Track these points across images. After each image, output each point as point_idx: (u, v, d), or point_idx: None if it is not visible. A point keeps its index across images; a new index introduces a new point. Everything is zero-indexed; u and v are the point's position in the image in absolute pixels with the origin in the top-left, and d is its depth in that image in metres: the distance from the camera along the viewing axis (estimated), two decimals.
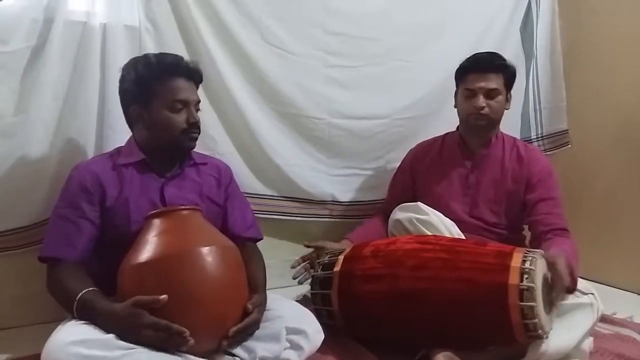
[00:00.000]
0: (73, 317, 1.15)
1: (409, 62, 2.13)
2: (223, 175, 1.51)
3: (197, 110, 1.39)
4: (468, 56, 1.82)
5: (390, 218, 1.68)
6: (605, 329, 1.67)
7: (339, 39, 2.00)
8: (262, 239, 1.56)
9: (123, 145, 1.44)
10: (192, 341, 1.06)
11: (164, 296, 1.08)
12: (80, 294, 1.15)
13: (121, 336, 1.07)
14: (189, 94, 1.36)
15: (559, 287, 1.32)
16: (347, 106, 2.04)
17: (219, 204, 1.47)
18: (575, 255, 1.47)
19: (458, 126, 1.86)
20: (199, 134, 1.40)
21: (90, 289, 1.18)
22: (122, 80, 1.38)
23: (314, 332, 1.23)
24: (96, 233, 1.31)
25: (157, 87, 1.33)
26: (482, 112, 1.71)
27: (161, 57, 1.38)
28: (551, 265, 1.34)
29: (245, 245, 1.45)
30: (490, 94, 1.71)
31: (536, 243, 1.62)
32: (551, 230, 1.61)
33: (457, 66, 1.82)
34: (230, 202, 1.50)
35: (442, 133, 1.94)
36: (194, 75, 1.40)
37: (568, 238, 1.59)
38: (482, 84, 1.71)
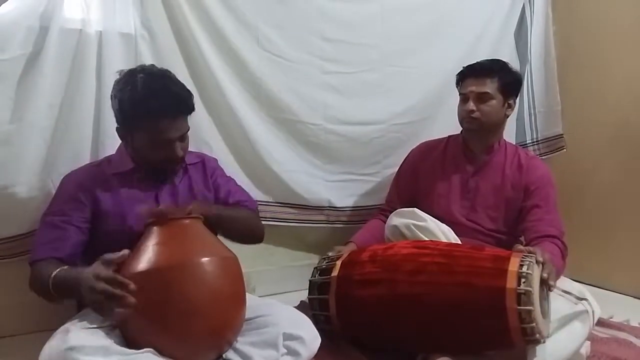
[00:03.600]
0: (68, 325, 1.14)
1: (404, 68, 2.14)
2: (208, 167, 1.53)
3: (184, 140, 1.35)
4: (463, 61, 1.84)
5: (387, 224, 1.68)
6: (602, 332, 1.67)
7: (335, 45, 2.01)
8: (257, 211, 1.60)
9: (113, 154, 1.45)
10: (132, 300, 1.05)
11: (126, 251, 1.11)
12: (53, 273, 1.16)
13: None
14: (172, 133, 1.30)
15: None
16: (344, 112, 2.05)
17: (212, 195, 1.50)
18: (555, 262, 1.45)
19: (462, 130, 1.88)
20: (180, 163, 1.40)
21: (64, 267, 1.19)
22: (111, 98, 1.35)
23: (311, 338, 1.22)
24: (83, 239, 1.32)
25: (139, 124, 1.30)
26: (472, 115, 1.73)
27: (147, 94, 1.27)
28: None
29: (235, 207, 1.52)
30: (481, 98, 1.72)
31: None
32: (540, 237, 1.61)
33: (453, 71, 1.83)
34: (220, 185, 1.53)
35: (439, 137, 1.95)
36: (182, 112, 1.33)
37: (556, 245, 1.58)
38: (473, 88, 1.73)
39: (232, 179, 1.63)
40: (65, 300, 1.26)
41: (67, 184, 1.36)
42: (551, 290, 1.35)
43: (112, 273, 1.07)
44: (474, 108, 1.73)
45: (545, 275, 1.31)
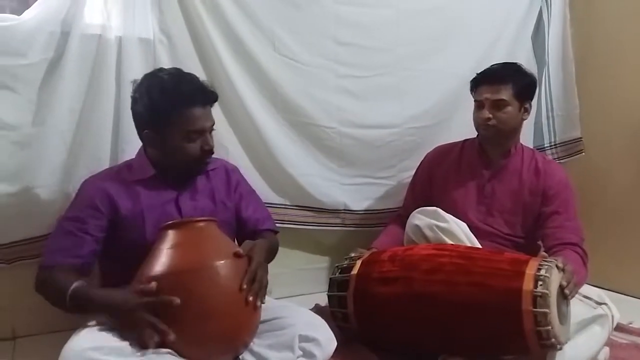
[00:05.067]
0: (86, 326, 1.16)
1: (419, 72, 2.13)
2: (232, 176, 1.53)
3: (211, 132, 1.37)
4: (479, 64, 1.83)
5: (409, 222, 1.66)
6: (622, 338, 1.65)
7: (349, 49, 2.02)
8: (278, 232, 1.60)
9: (133, 158, 1.46)
10: (172, 337, 1.08)
11: (154, 283, 1.12)
12: (72, 286, 1.18)
13: (115, 320, 1.12)
14: (204, 122, 1.33)
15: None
16: (358, 115, 2.05)
17: (232, 205, 1.50)
18: (578, 271, 1.44)
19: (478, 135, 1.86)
20: (212, 156, 1.40)
21: (82, 281, 1.20)
22: (136, 102, 1.35)
23: (327, 340, 1.23)
24: (97, 248, 1.32)
25: (173, 117, 1.29)
26: (488, 123, 1.71)
27: (177, 83, 1.32)
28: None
29: (262, 235, 1.49)
30: (497, 105, 1.70)
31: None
32: (560, 244, 1.59)
33: (469, 75, 1.82)
34: (242, 200, 1.52)
35: (455, 141, 1.94)
36: (210, 100, 1.36)
37: (577, 253, 1.57)
38: (488, 95, 1.71)
39: (254, 191, 1.63)
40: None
41: (86, 189, 1.36)
42: (570, 298, 1.34)
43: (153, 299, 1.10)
44: (490, 116, 1.71)
45: (564, 282, 1.30)
